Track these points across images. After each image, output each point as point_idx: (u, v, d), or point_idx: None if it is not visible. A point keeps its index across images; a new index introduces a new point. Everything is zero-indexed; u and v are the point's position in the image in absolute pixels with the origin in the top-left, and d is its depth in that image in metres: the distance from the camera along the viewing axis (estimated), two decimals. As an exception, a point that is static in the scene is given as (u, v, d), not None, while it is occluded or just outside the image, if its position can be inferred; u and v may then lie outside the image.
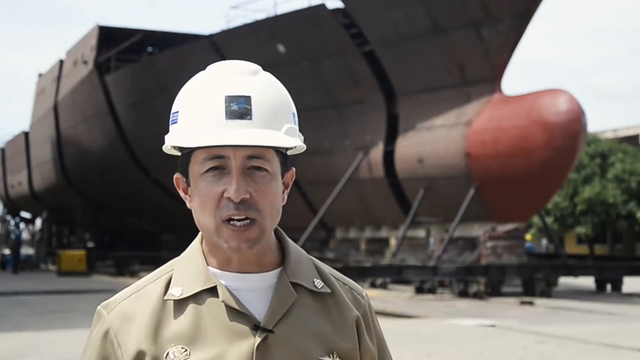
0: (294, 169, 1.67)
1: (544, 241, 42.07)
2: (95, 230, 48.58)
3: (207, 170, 1.56)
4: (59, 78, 45.43)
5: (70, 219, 51.08)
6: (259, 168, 1.56)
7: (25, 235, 72.62)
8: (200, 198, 1.57)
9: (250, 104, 1.55)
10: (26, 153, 54.36)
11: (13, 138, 59.76)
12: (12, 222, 69.95)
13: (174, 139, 1.59)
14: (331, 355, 1.60)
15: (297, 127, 1.62)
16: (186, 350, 1.54)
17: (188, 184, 1.62)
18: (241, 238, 1.55)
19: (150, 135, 34.26)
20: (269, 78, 1.62)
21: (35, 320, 15.85)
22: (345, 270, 22.85)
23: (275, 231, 1.67)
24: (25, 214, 66.36)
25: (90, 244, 47.36)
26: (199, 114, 1.56)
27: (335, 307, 1.65)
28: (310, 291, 1.64)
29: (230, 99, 1.55)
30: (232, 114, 1.54)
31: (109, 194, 44.06)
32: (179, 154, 1.64)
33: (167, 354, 1.54)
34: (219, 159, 1.55)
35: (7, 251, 46.44)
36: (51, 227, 55.73)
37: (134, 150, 38.31)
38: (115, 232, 50.68)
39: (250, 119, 1.55)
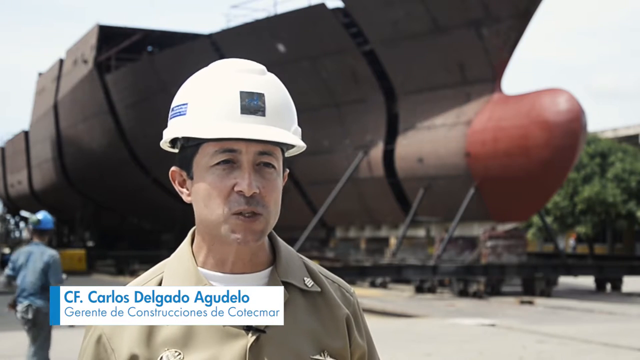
0: (288, 170, 1.68)
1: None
2: (95, 229, 48.58)
3: (217, 164, 1.56)
4: (59, 77, 45.42)
5: (70, 218, 51.07)
6: (267, 164, 1.58)
7: (25, 234, 72.68)
8: (207, 191, 1.57)
9: (263, 101, 1.57)
10: (26, 152, 54.35)
11: (13, 137, 59.73)
12: (12, 221, 70.03)
13: (185, 130, 1.58)
14: (322, 354, 1.61)
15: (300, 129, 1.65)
16: (180, 353, 1.54)
17: (190, 177, 1.61)
18: (248, 229, 1.55)
19: (150, 135, 34.22)
20: (275, 78, 1.64)
21: (35, 319, 15.82)
22: (345, 269, 22.87)
23: None
24: (25, 213, 66.36)
25: (90, 243, 47.36)
26: (213, 107, 1.56)
27: (325, 305, 1.66)
28: (301, 290, 1.64)
29: (245, 95, 1.56)
30: (246, 109, 1.56)
31: (108, 193, 44.07)
32: (175, 150, 1.64)
33: (161, 358, 1.54)
34: (230, 152, 1.56)
35: (6, 250, 46.45)
36: (51, 226, 55.62)
37: (134, 150, 38.32)
38: (114, 232, 50.69)
39: (264, 115, 1.56)
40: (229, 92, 1.56)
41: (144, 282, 1.64)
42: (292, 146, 1.64)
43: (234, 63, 1.62)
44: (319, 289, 1.66)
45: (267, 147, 1.57)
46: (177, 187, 1.64)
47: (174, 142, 1.64)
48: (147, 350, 1.55)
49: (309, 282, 1.66)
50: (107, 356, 1.58)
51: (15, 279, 8.62)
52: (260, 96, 1.57)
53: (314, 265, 1.73)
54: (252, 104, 1.56)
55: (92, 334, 1.60)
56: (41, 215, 8.89)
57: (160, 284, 1.62)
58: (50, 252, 8.63)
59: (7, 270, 8.72)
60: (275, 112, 1.58)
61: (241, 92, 1.56)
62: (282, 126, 1.58)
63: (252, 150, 1.56)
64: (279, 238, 1.70)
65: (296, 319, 1.61)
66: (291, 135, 1.59)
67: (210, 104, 1.56)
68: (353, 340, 1.67)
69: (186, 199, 1.63)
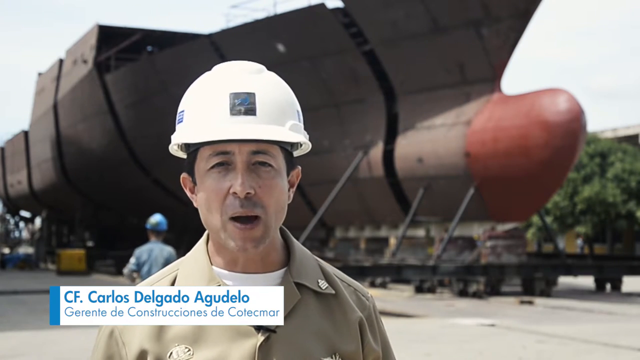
0: (299, 167, 1.67)
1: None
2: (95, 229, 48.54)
3: (213, 167, 1.57)
4: (58, 77, 45.38)
5: (69, 218, 51.02)
6: (263, 163, 1.57)
7: (25, 234, 72.71)
8: (206, 194, 1.58)
9: (254, 101, 1.57)
10: (26, 152, 54.29)
11: (13, 137, 59.67)
12: (12, 221, 70.01)
13: (179, 137, 1.60)
14: (333, 357, 1.61)
15: (302, 125, 1.64)
16: (189, 349, 1.56)
17: (195, 183, 1.62)
18: (246, 238, 1.55)
19: (150, 135, 34.34)
20: (273, 77, 1.64)
21: (35, 319, 15.84)
22: (345, 269, 22.82)
23: (281, 230, 1.68)
24: (25, 213, 66.35)
25: (89, 243, 47.31)
26: (204, 112, 1.57)
27: (339, 308, 1.65)
28: (314, 292, 1.64)
29: (235, 96, 1.56)
30: (236, 110, 1.56)
31: (108, 193, 44.05)
32: (184, 155, 1.65)
33: (171, 353, 1.56)
34: (224, 154, 1.56)
35: (6, 250, 46.43)
36: (51, 226, 55.67)
37: (134, 150, 38.30)
38: (114, 232, 50.64)
39: (255, 115, 1.56)
40: (219, 95, 1.57)
41: (157, 280, 1.66)
42: (297, 144, 1.63)
43: (230, 66, 1.62)
44: (333, 292, 1.66)
45: (261, 146, 1.56)
46: (188, 194, 1.65)
47: (186, 148, 1.65)
48: (157, 345, 1.56)
49: (323, 284, 1.66)
50: (118, 349, 1.60)
51: (138, 272, 9.77)
52: (251, 96, 1.56)
53: (330, 267, 1.72)
54: (242, 105, 1.56)
55: (104, 329, 1.62)
56: (158, 218, 10.14)
57: (173, 283, 1.63)
58: (169, 249, 9.91)
59: (132, 265, 9.86)
60: (267, 110, 1.57)
61: (230, 94, 1.56)
62: (276, 123, 1.57)
63: (245, 150, 1.56)
64: (294, 239, 1.70)
65: (308, 320, 1.60)
66: (285, 132, 1.57)
67: (202, 109, 1.58)
68: (366, 344, 1.67)
69: (195, 204, 1.64)
